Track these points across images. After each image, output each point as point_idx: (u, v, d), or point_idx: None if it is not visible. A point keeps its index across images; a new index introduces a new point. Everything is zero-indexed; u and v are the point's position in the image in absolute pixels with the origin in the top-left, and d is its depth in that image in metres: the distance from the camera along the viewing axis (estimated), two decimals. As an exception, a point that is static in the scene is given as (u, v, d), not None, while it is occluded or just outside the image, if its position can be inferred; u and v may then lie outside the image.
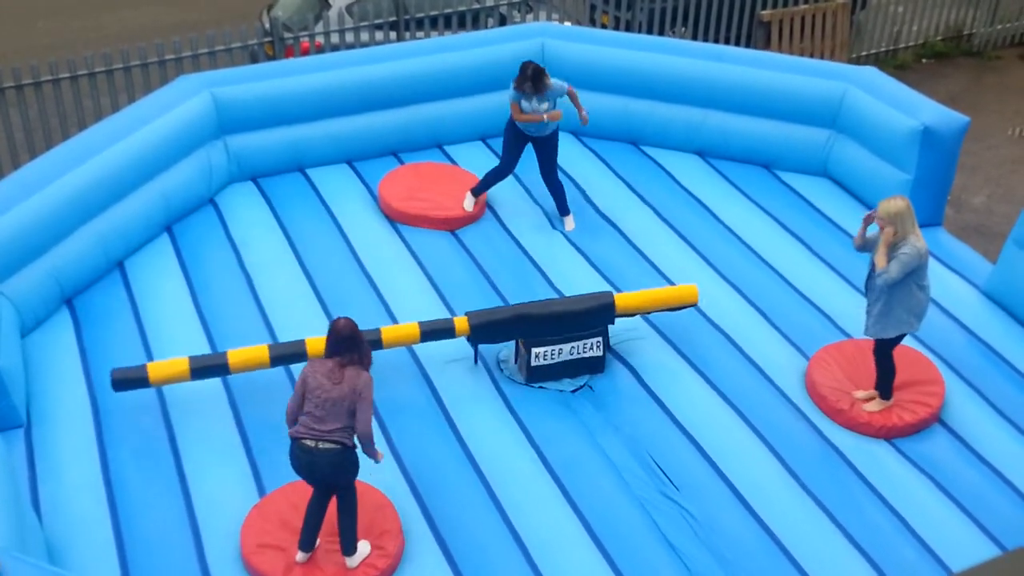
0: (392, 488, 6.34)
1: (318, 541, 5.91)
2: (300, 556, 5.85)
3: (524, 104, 8.35)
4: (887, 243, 6.55)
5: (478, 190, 8.84)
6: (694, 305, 7.55)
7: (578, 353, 7.20)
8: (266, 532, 5.95)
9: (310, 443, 5.55)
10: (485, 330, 7.16)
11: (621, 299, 7.36)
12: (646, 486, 6.50)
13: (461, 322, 7.13)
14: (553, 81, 8.33)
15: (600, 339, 7.24)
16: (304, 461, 5.63)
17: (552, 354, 7.16)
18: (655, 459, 6.67)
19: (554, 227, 8.77)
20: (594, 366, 7.29)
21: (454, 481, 6.48)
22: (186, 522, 6.14)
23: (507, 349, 7.43)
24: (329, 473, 5.63)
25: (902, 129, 8.73)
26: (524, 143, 8.63)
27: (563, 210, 8.82)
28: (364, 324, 7.53)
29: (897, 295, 6.65)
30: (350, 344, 5.63)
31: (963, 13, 15.67)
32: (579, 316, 7.20)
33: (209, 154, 8.88)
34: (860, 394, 7.05)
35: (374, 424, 6.69)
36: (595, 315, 7.24)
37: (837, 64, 9.81)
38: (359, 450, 5.72)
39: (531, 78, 8.19)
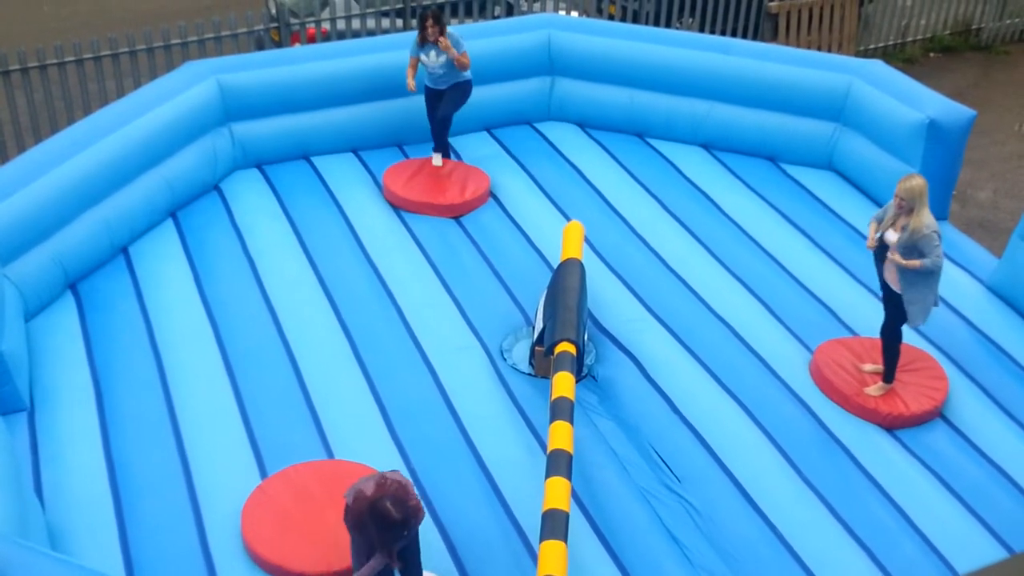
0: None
1: None
2: None
3: (423, 57, 8.72)
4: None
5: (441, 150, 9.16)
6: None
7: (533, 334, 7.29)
8: (267, 514, 5.96)
9: None
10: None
11: (562, 349, 6.88)
12: (648, 477, 6.49)
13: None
14: (449, 30, 8.66)
15: (529, 346, 7.22)
16: None
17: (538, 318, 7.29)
18: (657, 450, 6.67)
19: (558, 214, 8.76)
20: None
21: (454, 468, 6.48)
22: (188, 505, 6.15)
23: (510, 337, 7.44)
24: None
25: (908, 122, 8.71)
26: (437, 99, 8.96)
27: (438, 146, 9.14)
28: (366, 310, 7.62)
29: (916, 277, 6.62)
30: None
31: (972, 7, 15.62)
32: (549, 312, 7.15)
33: (214, 141, 8.87)
34: (868, 367, 7.06)
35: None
36: (548, 328, 7.06)
37: (842, 57, 9.78)
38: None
39: (425, 27, 8.53)
